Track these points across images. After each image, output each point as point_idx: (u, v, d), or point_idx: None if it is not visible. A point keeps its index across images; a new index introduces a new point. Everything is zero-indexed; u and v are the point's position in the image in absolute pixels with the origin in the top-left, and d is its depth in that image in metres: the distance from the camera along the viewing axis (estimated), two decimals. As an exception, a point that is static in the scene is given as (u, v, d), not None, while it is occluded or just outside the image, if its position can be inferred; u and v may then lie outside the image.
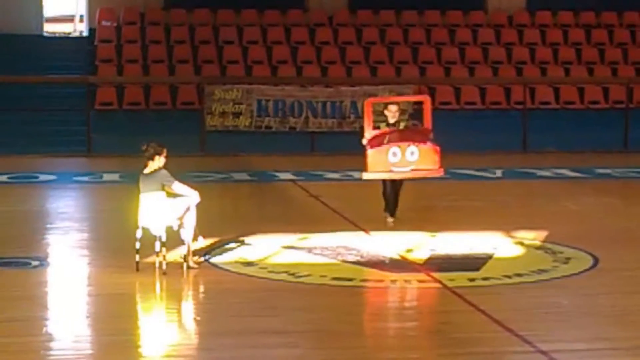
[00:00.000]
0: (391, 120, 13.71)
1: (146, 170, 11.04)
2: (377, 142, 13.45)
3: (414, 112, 23.80)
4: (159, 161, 11.02)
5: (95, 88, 24.08)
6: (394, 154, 13.28)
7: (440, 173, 13.52)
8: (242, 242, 12.38)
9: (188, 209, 10.92)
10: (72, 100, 23.57)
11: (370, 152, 13.41)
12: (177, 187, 10.89)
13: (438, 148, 13.39)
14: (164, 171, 10.98)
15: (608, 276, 11.00)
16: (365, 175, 13.50)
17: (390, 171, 13.38)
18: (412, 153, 13.29)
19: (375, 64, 25.72)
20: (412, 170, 13.35)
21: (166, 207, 10.86)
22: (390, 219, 13.74)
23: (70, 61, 25.09)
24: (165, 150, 11.10)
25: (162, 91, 24.27)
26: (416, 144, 13.33)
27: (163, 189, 10.89)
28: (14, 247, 12.32)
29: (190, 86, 24.18)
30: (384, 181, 13.80)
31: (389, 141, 13.35)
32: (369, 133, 13.56)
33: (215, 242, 12.35)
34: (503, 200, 16.66)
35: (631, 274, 11.07)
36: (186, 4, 26.34)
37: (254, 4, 26.51)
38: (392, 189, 13.76)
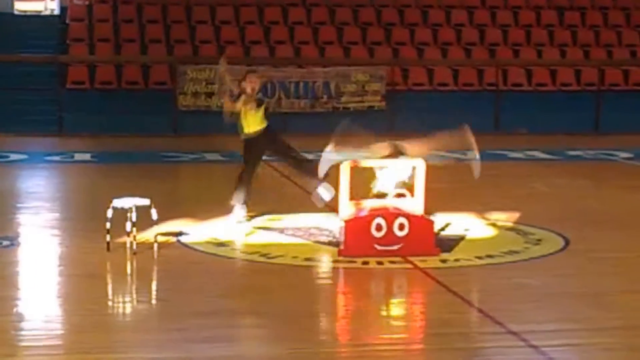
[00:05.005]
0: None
1: None
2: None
3: (387, 93, 23.88)
4: None
5: (66, 67, 23.94)
6: (379, 227, 10.85)
7: (437, 254, 10.85)
8: (214, 223, 12.35)
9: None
10: (43, 79, 23.42)
11: (346, 224, 10.84)
12: None
13: (433, 222, 11.08)
14: None
15: (579, 257, 11.06)
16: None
17: (374, 250, 10.71)
18: (401, 227, 10.86)
19: (349, 44, 25.68)
20: (400, 249, 10.73)
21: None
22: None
23: (41, 40, 24.91)
24: None
25: (134, 71, 24.15)
26: (407, 215, 10.85)
27: None
28: (-16, 226, 12.25)
29: (162, 66, 24.08)
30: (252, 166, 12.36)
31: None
32: (346, 207, 11.01)
33: (187, 223, 12.32)
34: (475, 181, 16.68)
35: (601, 256, 11.14)
36: (158, -17, 26.20)
37: (227, -16, 26.40)
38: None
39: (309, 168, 12.35)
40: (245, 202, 12.34)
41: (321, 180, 12.22)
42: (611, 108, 23.87)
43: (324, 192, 12.27)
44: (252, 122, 12.28)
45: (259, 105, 12.28)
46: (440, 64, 25.37)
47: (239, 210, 12.34)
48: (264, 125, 12.36)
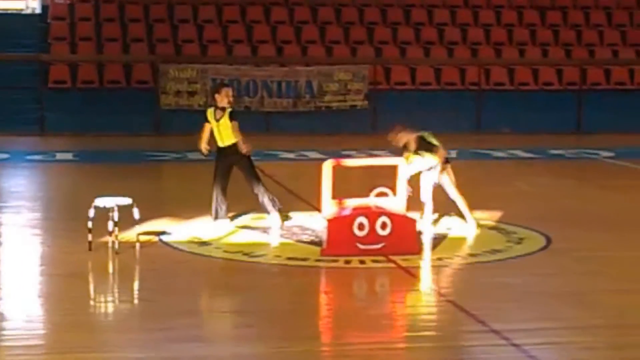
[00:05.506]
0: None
1: None
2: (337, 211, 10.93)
3: (370, 92, 23.90)
4: None
5: (48, 66, 23.87)
6: (361, 226, 10.84)
7: (418, 254, 10.93)
8: (198, 222, 12.33)
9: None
10: (25, 78, 23.34)
11: (328, 223, 10.78)
12: None
13: (415, 220, 11.17)
14: None
15: (560, 256, 11.08)
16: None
17: (356, 249, 10.71)
18: (383, 225, 10.86)
19: (331, 43, 25.69)
20: (383, 248, 10.74)
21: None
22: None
23: (22, 39, 24.82)
24: None
25: (116, 70, 24.09)
26: (389, 214, 10.84)
27: None
28: (-35, 226, 12.20)
29: (144, 65, 24.03)
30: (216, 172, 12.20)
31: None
32: (329, 206, 10.92)
33: (170, 222, 12.30)
34: (457, 180, 16.69)
35: (583, 255, 11.17)
36: (141, -18, 26.15)
37: (209, -17, 26.37)
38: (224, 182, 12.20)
39: (268, 196, 12.26)
40: (223, 216, 12.18)
41: (274, 210, 12.19)
42: (593, 107, 23.97)
43: (274, 221, 12.19)
44: (226, 136, 12.17)
45: (231, 118, 12.13)
46: (422, 63, 25.41)
47: (221, 222, 12.16)
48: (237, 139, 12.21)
